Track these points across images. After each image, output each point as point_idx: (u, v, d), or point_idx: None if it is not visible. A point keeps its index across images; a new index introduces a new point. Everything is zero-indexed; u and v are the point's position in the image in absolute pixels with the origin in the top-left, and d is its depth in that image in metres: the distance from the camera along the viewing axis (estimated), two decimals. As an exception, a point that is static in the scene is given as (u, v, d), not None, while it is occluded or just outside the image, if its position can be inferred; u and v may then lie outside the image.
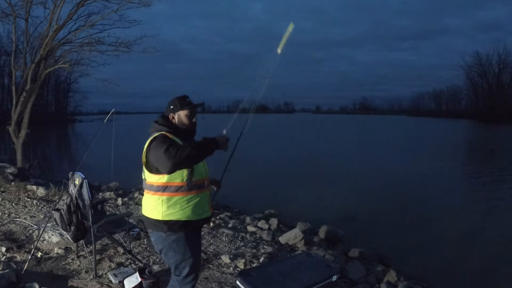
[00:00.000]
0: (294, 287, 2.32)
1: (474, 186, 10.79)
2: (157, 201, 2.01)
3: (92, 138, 3.45)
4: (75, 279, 3.08)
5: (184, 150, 1.78)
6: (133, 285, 2.87)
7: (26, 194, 5.97)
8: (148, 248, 3.88)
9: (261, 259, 3.98)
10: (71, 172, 3.37)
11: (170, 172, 1.87)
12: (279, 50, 2.00)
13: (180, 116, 2.10)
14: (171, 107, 2.11)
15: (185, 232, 2.04)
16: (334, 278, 2.49)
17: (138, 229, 4.25)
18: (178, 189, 2.00)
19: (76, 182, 3.20)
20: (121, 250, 3.63)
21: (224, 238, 4.52)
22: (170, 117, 2.12)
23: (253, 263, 3.78)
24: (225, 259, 3.73)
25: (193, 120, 2.13)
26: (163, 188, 2.00)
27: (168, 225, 2.00)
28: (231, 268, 3.58)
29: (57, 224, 3.26)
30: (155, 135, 1.97)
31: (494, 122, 52.21)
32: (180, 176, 2.00)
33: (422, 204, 8.37)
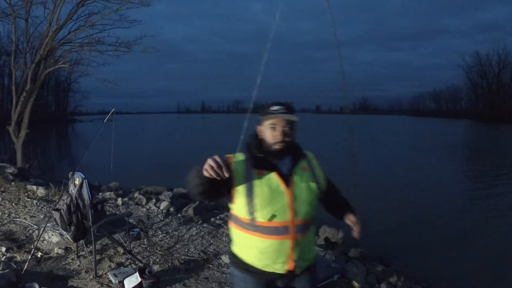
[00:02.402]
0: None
1: (474, 186, 10.79)
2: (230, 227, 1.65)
3: (92, 138, 3.46)
4: (75, 279, 3.08)
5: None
6: (133, 285, 2.87)
7: (26, 194, 5.96)
8: (148, 248, 3.88)
9: (261, 259, 3.97)
10: (71, 172, 3.37)
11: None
12: None
13: (264, 129, 1.50)
14: (259, 117, 1.54)
15: (251, 276, 1.55)
16: (335, 277, 2.49)
17: (138, 229, 4.25)
18: (242, 224, 1.52)
19: (76, 182, 3.20)
20: (121, 250, 3.63)
21: (224, 238, 4.51)
22: (258, 132, 1.56)
23: (253, 263, 3.77)
24: (225, 259, 3.73)
25: (279, 136, 1.46)
26: (231, 216, 1.60)
27: (232, 261, 1.64)
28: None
29: (57, 224, 3.26)
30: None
31: (494, 122, 52.19)
32: (240, 209, 1.50)
33: (422, 204, 8.37)
